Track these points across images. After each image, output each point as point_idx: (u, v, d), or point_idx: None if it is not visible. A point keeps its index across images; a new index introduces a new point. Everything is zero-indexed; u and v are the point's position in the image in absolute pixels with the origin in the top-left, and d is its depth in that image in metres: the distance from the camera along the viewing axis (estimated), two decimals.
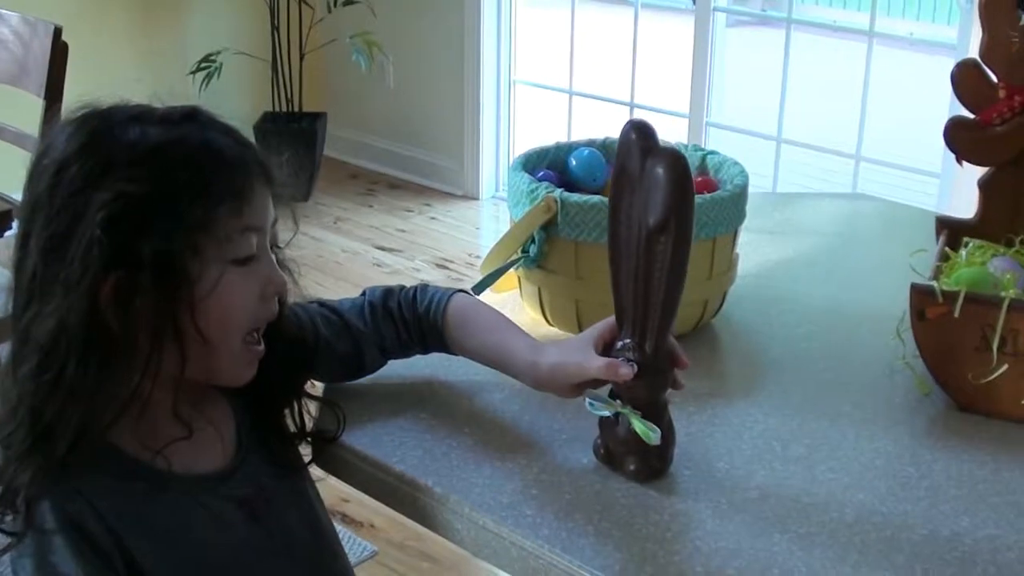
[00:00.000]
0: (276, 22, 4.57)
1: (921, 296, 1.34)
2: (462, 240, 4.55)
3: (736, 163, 1.57)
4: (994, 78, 1.48)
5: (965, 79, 1.50)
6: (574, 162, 1.60)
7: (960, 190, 3.48)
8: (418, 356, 1.39)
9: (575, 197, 1.43)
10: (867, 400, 1.41)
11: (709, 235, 1.46)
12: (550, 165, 1.61)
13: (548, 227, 1.44)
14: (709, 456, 1.27)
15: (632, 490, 1.21)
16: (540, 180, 1.51)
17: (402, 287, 1.37)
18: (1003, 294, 1.32)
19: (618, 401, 1.21)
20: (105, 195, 1.01)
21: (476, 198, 4.89)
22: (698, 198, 1.44)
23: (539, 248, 1.46)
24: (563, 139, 1.67)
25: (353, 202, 4.85)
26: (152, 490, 1.09)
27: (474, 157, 4.85)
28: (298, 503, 1.22)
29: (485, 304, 1.37)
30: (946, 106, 3.50)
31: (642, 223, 1.14)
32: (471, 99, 4.76)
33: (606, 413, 1.21)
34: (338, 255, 4.30)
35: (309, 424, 1.27)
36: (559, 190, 1.45)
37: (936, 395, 1.40)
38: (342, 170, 5.12)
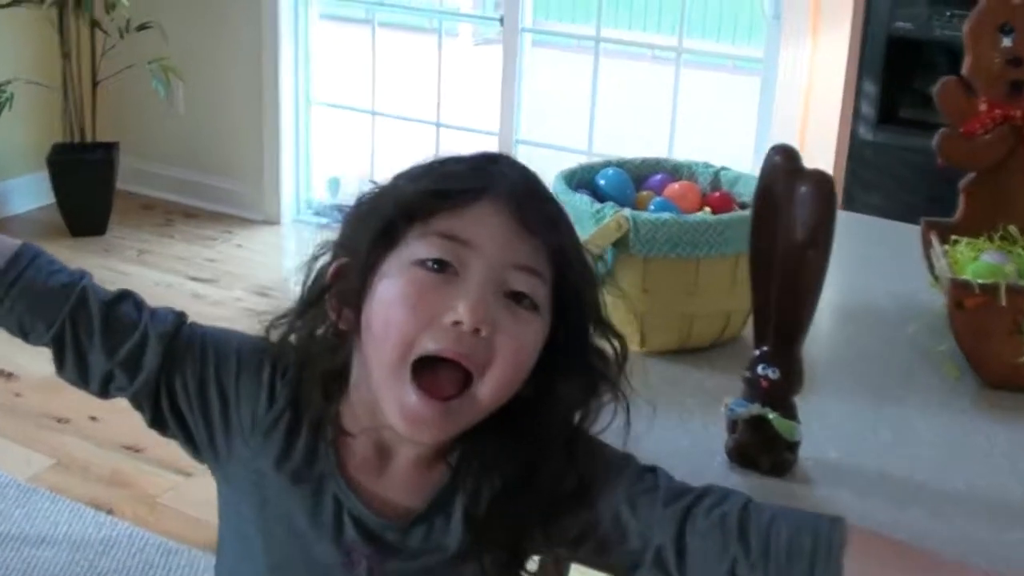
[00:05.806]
0: (66, 49, 4.40)
1: (959, 289, 1.51)
2: (273, 265, 4.50)
3: (753, 176, 1.68)
4: (976, 93, 1.67)
5: (948, 94, 1.68)
6: (603, 182, 1.68)
7: None
8: None
9: (645, 215, 1.52)
10: (916, 386, 1.56)
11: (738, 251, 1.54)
12: (577, 186, 1.68)
13: (617, 244, 1.52)
14: (818, 446, 1.38)
15: (773, 484, 1.31)
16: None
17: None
18: None
19: (757, 404, 1.31)
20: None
21: (277, 223, 4.84)
22: (735, 215, 1.56)
23: (610, 267, 1.53)
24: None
25: (152, 233, 4.71)
26: (308, 465, 1.12)
27: (274, 181, 4.80)
28: None
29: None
30: (753, 122, 3.74)
31: (789, 239, 1.25)
32: (270, 122, 4.72)
33: (747, 416, 1.31)
34: (152, 288, 4.09)
35: None
36: (627, 209, 1.53)
37: (966, 377, 1.56)
38: (135, 201, 4.94)
